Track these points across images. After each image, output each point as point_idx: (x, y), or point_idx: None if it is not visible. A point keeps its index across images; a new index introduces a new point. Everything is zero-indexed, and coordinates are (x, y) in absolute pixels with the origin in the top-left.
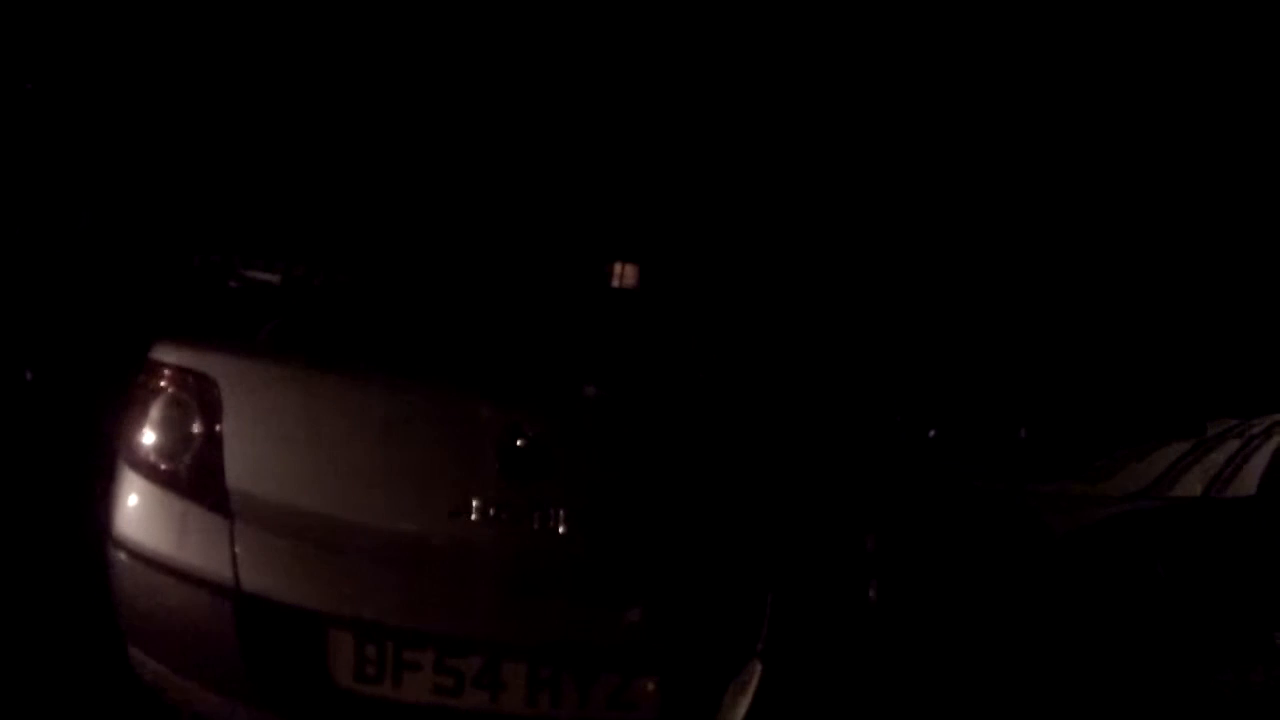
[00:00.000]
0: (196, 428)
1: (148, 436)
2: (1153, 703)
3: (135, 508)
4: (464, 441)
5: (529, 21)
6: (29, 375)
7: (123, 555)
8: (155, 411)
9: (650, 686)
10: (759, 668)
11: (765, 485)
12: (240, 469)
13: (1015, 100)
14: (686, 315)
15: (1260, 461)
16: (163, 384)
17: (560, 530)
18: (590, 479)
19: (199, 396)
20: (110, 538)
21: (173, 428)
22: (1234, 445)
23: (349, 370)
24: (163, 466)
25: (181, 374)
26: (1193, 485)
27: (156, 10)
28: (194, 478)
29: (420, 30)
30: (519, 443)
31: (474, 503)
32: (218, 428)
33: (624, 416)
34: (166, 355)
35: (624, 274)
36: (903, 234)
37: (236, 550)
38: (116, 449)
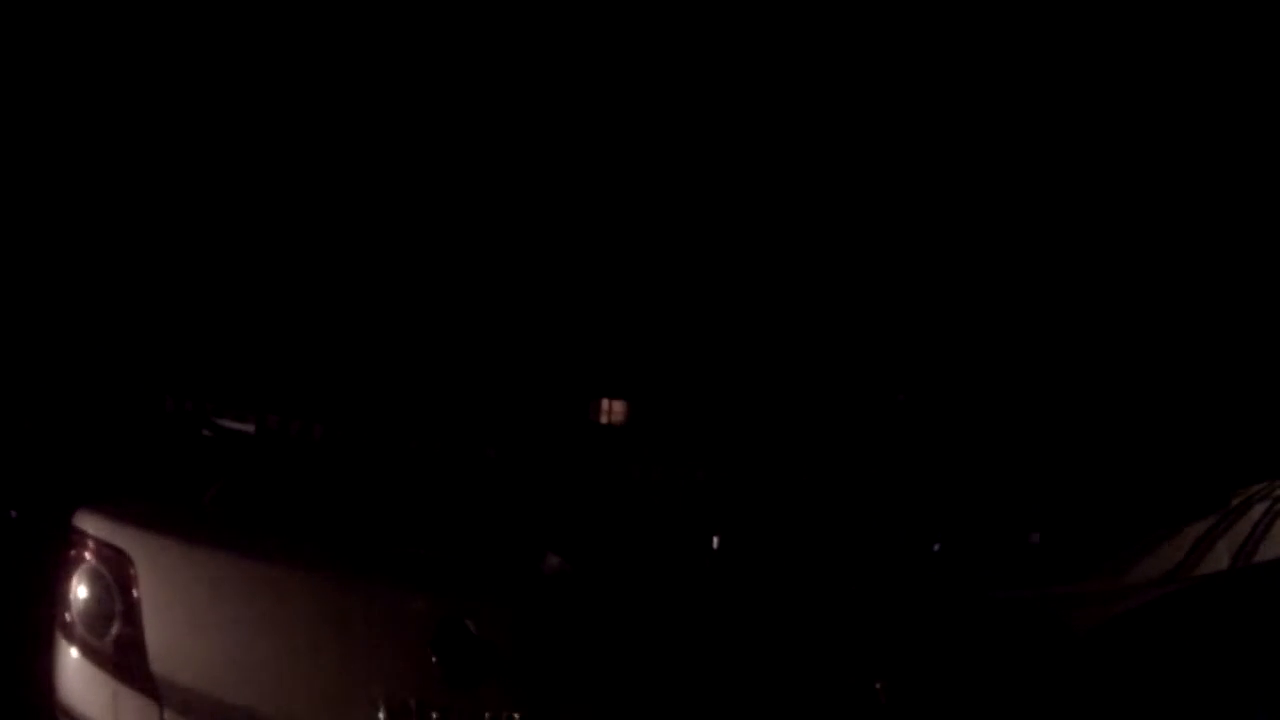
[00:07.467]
0: (116, 605)
1: (73, 608)
2: None
3: (72, 678)
4: (397, 637)
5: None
6: (13, 514)
7: None
8: (76, 583)
9: None
10: None
11: (761, 665)
12: (164, 653)
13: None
14: (668, 462)
15: None
16: (84, 554)
17: None
18: (549, 675)
19: (115, 572)
20: (55, 703)
21: (94, 602)
22: (1259, 510)
23: (268, 553)
24: (90, 641)
25: (99, 546)
26: (1219, 559)
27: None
28: (119, 657)
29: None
30: (459, 640)
31: (411, 705)
32: (136, 608)
33: (588, 595)
34: (85, 523)
35: (612, 410)
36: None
37: None
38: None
